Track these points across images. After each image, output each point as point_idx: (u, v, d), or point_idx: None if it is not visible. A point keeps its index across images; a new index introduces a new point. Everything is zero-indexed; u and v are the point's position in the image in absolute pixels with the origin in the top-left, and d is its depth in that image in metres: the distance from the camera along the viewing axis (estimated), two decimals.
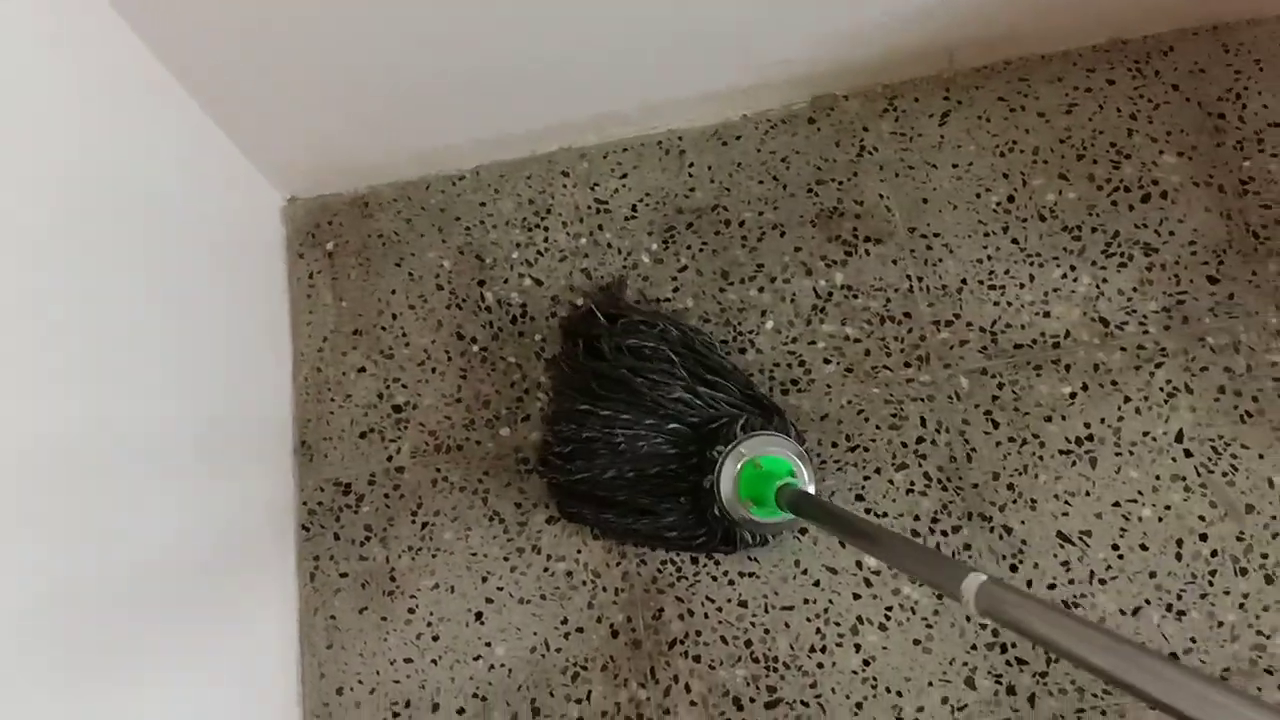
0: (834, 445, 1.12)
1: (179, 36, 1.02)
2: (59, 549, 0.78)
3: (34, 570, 0.74)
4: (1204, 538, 1.05)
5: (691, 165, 1.27)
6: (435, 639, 1.12)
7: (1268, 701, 0.53)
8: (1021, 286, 1.15)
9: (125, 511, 0.88)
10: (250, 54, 1.07)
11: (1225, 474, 1.07)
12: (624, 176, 1.27)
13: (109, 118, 0.95)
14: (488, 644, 1.11)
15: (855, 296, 1.17)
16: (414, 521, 1.16)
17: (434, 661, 1.11)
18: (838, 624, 1.06)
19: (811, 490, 1.06)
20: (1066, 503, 1.06)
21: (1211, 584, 1.03)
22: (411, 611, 1.13)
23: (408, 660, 1.11)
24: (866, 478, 1.10)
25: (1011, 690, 1.02)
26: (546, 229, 1.26)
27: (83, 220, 0.88)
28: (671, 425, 1.09)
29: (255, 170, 1.26)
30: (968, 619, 1.03)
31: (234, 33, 1.03)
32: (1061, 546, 1.05)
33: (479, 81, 1.17)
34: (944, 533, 1.07)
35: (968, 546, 1.06)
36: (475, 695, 1.09)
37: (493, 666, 1.10)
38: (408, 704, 1.10)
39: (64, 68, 0.88)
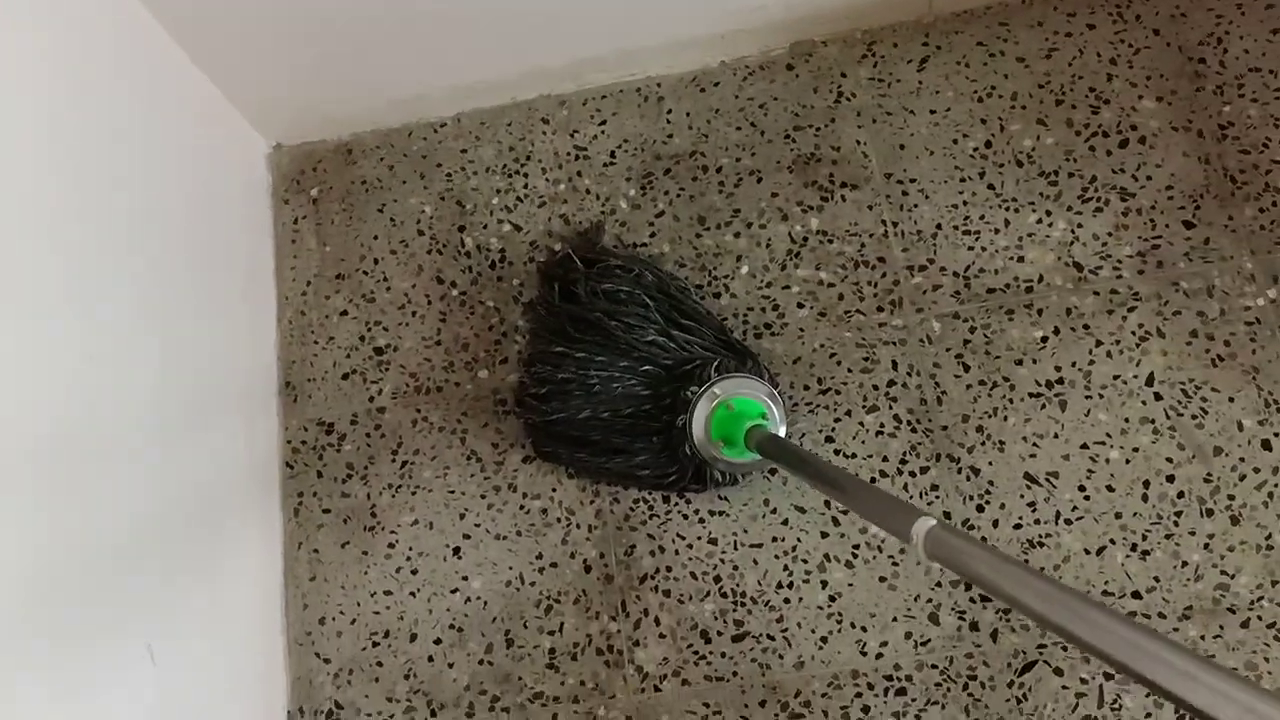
0: (805, 388, 1.14)
1: None
2: (53, 503, 0.81)
3: (28, 526, 0.78)
4: (1171, 479, 1.06)
5: (670, 112, 1.28)
6: (414, 572, 1.15)
7: (1197, 653, 0.55)
8: (996, 232, 1.16)
9: (117, 462, 0.91)
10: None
11: (1195, 417, 1.08)
12: (603, 123, 1.29)
13: (92, 63, 0.98)
14: (464, 577, 1.14)
15: (830, 241, 1.19)
16: (394, 460, 1.19)
17: (412, 594, 1.14)
18: (805, 561, 1.09)
19: (782, 433, 1.08)
20: (1035, 445, 1.08)
21: (1177, 525, 1.05)
22: (391, 546, 1.16)
23: (387, 592, 1.15)
24: (837, 420, 1.12)
25: (975, 626, 1.04)
26: (526, 175, 1.28)
27: (67, 168, 0.91)
28: (645, 368, 1.12)
29: (241, 117, 1.28)
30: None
31: None
32: (1028, 488, 1.07)
33: (456, 22, 1.18)
34: (912, 474, 1.09)
35: (935, 487, 1.08)
36: (452, 626, 1.12)
37: (469, 599, 1.13)
38: (387, 634, 1.13)
39: (46, 14, 0.90)
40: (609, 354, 1.12)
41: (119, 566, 0.89)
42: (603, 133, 1.28)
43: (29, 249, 0.84)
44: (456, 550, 1.15)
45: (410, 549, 1.16)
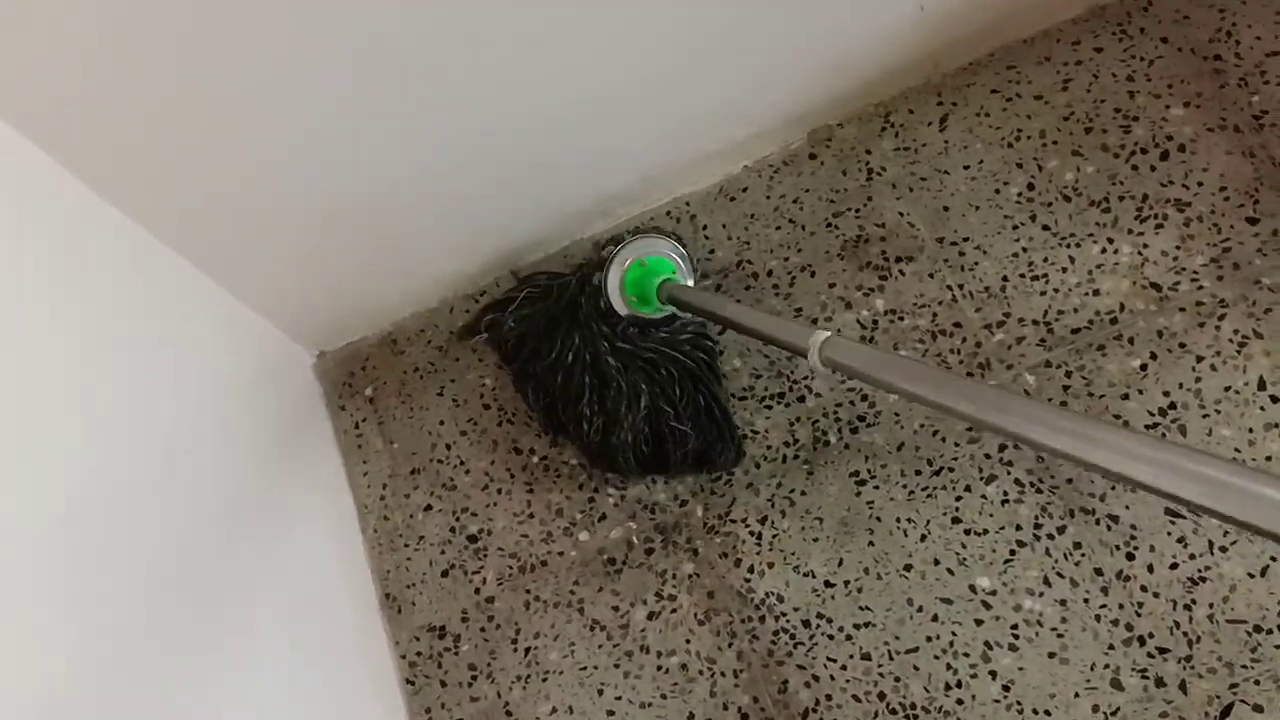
0: (917, 473, 1.13)
1: (180, 216, 1.07)
2: None
3: None
4: None
5: (705, 227, 1.30)
6: None
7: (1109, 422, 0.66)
8: (1064, 271, 1.17)
9: (246, 703, 0.90)
10: (252, 221, 1.12)
11: None
12: None
13: (134, 311, 0.99)
14: None
15: (901, 318, 1.19)
16: (516, 649, 1.18)
17: None
18: (966, 655, 1.07)
19: (691, 284, 1.23)
20: None
21: None
22: None
23: None
24: (959, 498, 1.11)
25: (1160, 682, 1.02)
26: None
27: (144, 425, 0.92)
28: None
29: (280, 333, 1.30)
30: (1097, 618, 1.03)
31: (234, 206, 1.08)
32: (1173, 523, 1.06)
33: (476, 203, 1.22)
34: (1050, 536, 1.08)
35: (1078, 545, 1.07)
36: None
37: None
38: None
39: (72, 278, 0.92)
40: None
41: None
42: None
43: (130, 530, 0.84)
44: None
45: None
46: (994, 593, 1.08)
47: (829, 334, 0.81)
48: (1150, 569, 1.05)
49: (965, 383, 0.65)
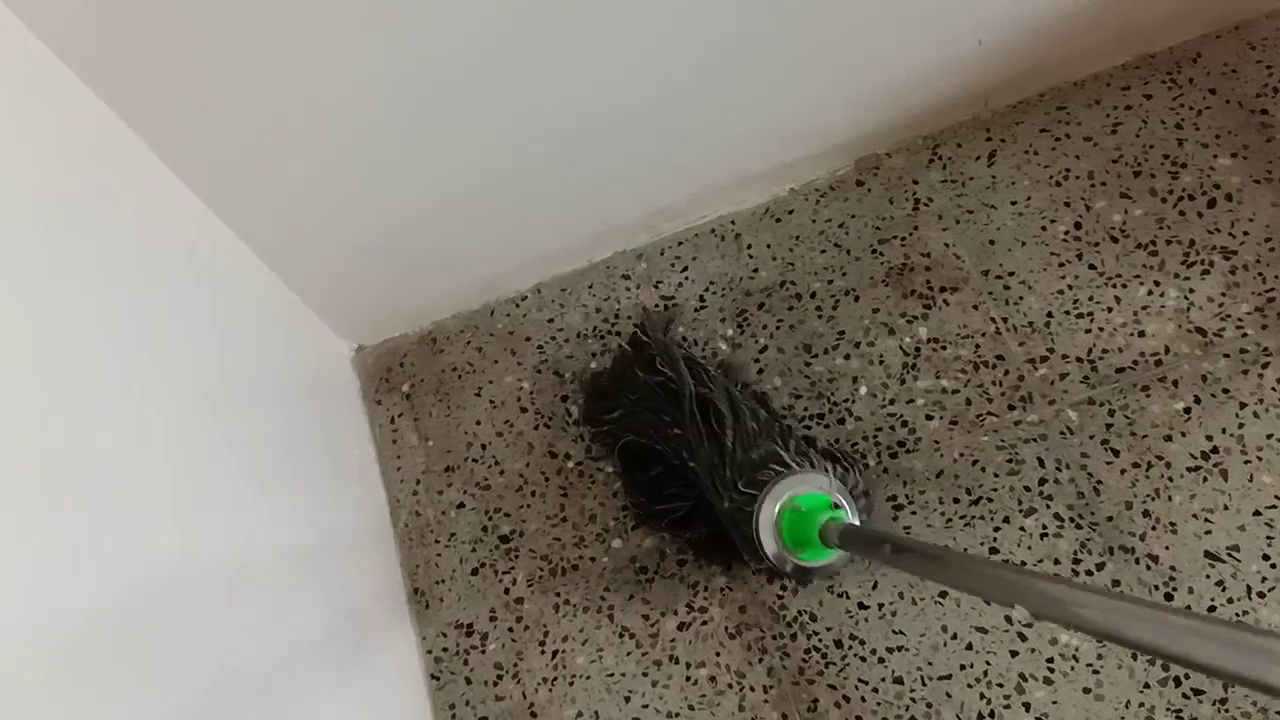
0: (955, 501, 1.10)
1: (238, 194, 1.03)
2: None
3: None
4: None
5: (750, 247, 1.27)
6: None
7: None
8: (1109, 310, 1.14)
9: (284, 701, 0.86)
10: (305, 208, 1.08)
11: None
12: (685, 270, 1.28)
13: (185, 288, 0.95)
14: None
15: (944, 348, 1.17)
16: (543, 651, 1.14)
17: None
18: (1000, 685, 1.03)
19: (857, 520, 1.04)
20: (1207, 520, 1.04)
21: None
22: None
23: None
24: (997, 529, 1.08)
25: None
26: (619, 333, 1.26)
27: (178, 400, 0.87)
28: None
29: (322, 323, 1.26)
30: (1134, 656, 1.00)
31: (288, 189, 1.05)
32: (1212, 565, 1.03)
33: (531, 198, 1.18)
34: (1089, 572, 1.05)
35: (1116, 582, 1.04)
36: None
37: None
38: None
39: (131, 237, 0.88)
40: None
41: None
42: (687, 279, 1.27)
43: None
44: None
45: None
46: (1030, 625, 1.04)
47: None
48: (1188, 608, 1.02)
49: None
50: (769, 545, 1.04)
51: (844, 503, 1.03)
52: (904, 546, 0.84)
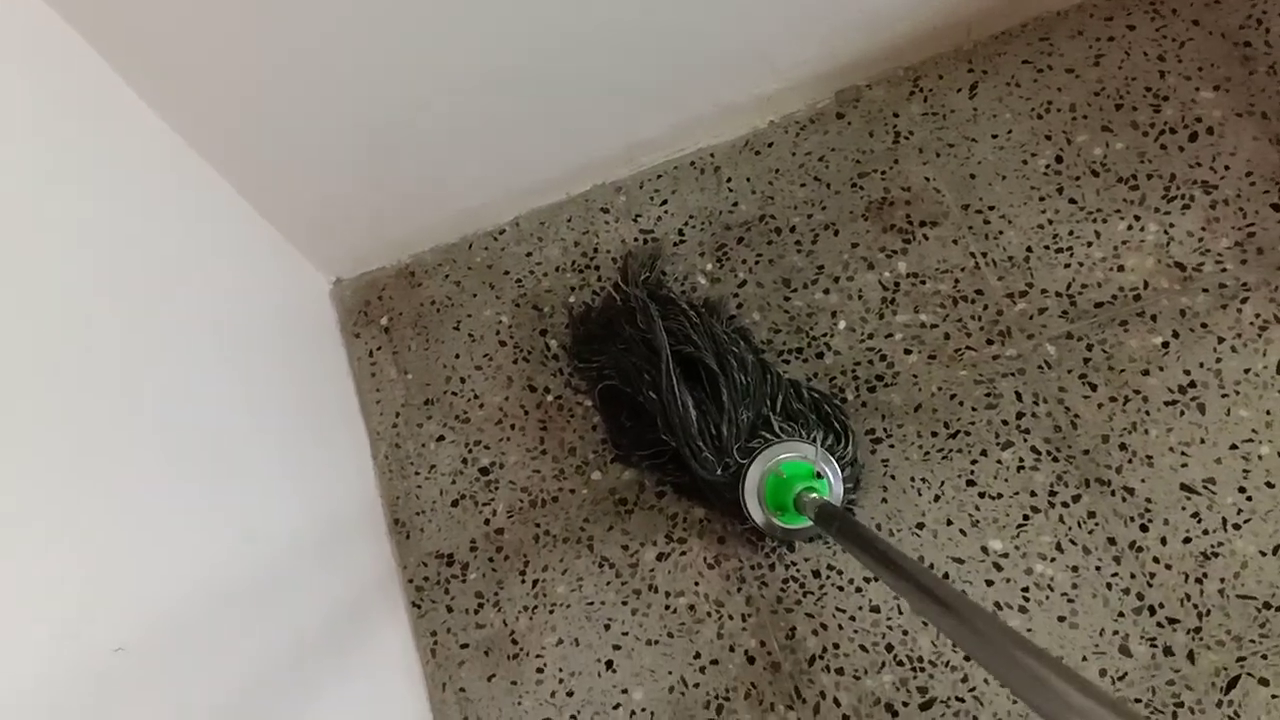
0: (933, 434, 1.04)
1: (208, 119, 0.94)
2: (194, 662, 0.70)
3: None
4: None
5: (729, 180, 1.19)
6: (570, 694, 1.03)
7: None
8: (1089, 245, 1.07)
9: (253, 623, 0.79)
10: (280, 136, 1.00)
11: None
12: (664, 203, 1.20)
13: (162, 219, 0.87)
14: (624, 690, 1.02)
15: (923, 282, 1.10)
16: (524, 581, 1.08)
17: (573, 717, 1.02)
18: None
19: (839, 490, 0.98)
20: (1183, 453, 0.99)
21: None
22: (540, 671, 1.04)
23: None
24: (974, 461, 1.02)
25: (1169, 651, 0.94)
26: (598, 268, 1.18)
27: (153, 325, 0.80)
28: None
29: (301, 255, 1.17)
30: (1108, 586, 0.96)
31: (262, 114, 0.96)
32: (1188, 498, 0.97)
33: (508, 126, 1.09)
34: (1065, 504, 0.99)
35: (1092, 514, 0.98)
36: None
37: (634, 712, 1.01)
38: None
39: (104, 172, 0.80)
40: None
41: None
42: (666, 212, 1.19)
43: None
44: (609, 664, 1.03)
45: (561, 670, 1.04)
46: (1006, 555, 0.99)
47: None
48: (1163, 541, 0.97)
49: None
50: (756, 514, 0.98)
51: (826, 471, 0.97)
52: (853, 535, 0.78)
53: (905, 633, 0.98)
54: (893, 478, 1.03)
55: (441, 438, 1.14)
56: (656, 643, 1.03)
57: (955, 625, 0.59)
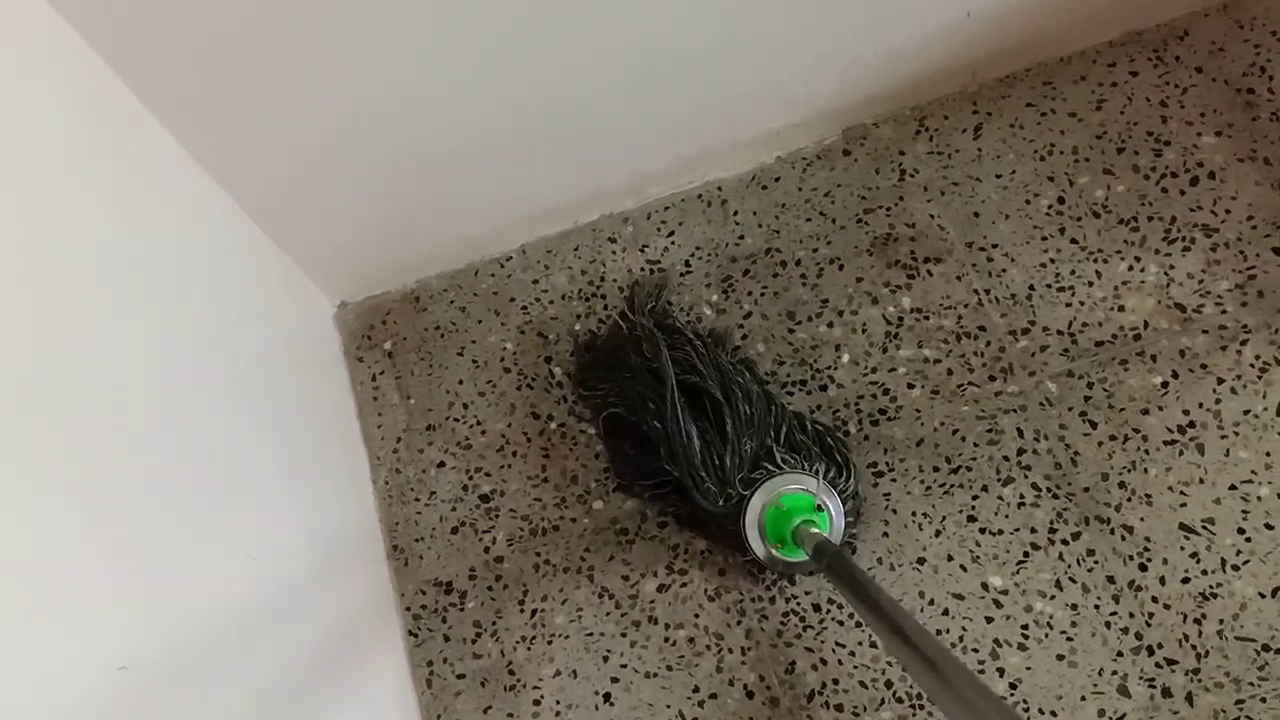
0: (935, 469, 1.06)
1: (220, 142, 0.96)
2: (194, 684, 0.71)
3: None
4: None
5: (736, 213, 1.21)
6: None
7: None
8: (1090, 284, 1.10)
9: (252, 646, 0.80)
10: (290, 158, 1.02)
11: None
12: (671, 234, 1.22)
13: (168, 239, 0.89)
14: None
15: (926, 318, 1.12)
16: (523, 610, 1.08)
17: None
18: (975, 650, 0.99)
19: (840, 526, 0.99)
20: (1182, 493, 1.00)
21: None
22: (537, 703, 1.05)
23: None
24: (975, 497, 1.04)
25: (1167, 692, 0.95)
26: (604, 296, 1.20)
27: (164, 349, 0.81)
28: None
29: (306, 278, 1.19)
30: (1107, 624, 0.97)
31: (274, 141, 0.98)
32: (1187, 538, 0.99)
33: (514, 162, 1.12)
34: (1064, 542, 1.01)
35: (1091, 552, 1.00)
36: None
37: None
38: None
39: (117, 190, 0.82)
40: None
41: None
42: (673, 243, 1.21)
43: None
44: (607, 697, 1.04)
45: (558, 703, 1.04)
46: (1005, 592, 1.00)
47: None
48: (1162, 581, 0.98)
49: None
50: (757, 546, 1.00)
51: (828, 504, 0.99)
52: (840, 571, 0.81)
53: (905, 669, 0.99)
54: (894, 512, 1.05)
55: (442, 464, 1.15)
56: (655, 675, 1.04)
57: (928, 675, 0.62)
